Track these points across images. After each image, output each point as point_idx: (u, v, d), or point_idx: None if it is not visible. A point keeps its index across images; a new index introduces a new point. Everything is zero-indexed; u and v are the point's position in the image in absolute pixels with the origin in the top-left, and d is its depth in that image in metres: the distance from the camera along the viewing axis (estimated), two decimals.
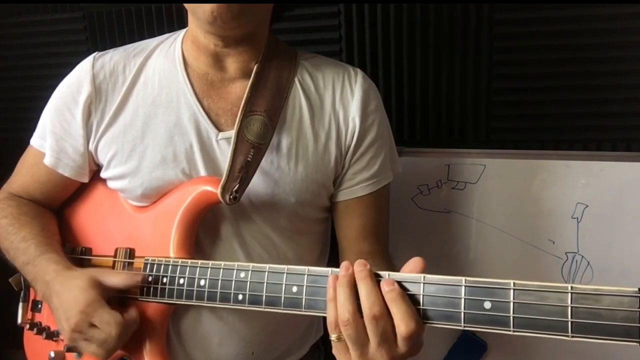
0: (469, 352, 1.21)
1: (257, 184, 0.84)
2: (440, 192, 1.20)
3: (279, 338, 0.93)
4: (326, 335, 1.06)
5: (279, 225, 0.87)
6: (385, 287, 0.62)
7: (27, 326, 0.97)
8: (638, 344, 0.53)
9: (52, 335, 0.92)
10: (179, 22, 1.35)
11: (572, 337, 0.56)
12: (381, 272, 0.65)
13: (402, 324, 0.60)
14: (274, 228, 0.87)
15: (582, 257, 1.12)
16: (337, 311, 0.63)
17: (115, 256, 0.88)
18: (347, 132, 0.87)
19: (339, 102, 0.87)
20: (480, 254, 1.19)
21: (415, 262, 0.65)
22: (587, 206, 1.11)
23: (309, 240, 0.93)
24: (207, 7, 0.73)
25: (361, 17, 1.23)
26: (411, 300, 0.62)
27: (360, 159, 0.89)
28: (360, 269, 0.64)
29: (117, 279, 0.80)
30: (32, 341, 0.99)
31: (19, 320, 0.98)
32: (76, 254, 0.93)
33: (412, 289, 0.63)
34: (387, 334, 0.61)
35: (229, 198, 0.78)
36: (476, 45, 1.17)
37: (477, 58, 1.18)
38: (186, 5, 0.80)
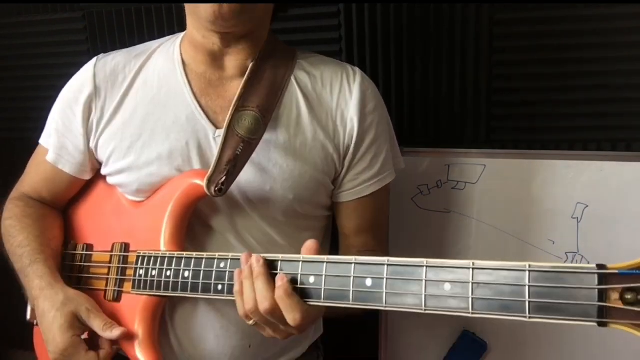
0: (469, 352, 1.21)
1: (255, 179, 0.84)
2: (440, 192, 1.20)
3: None
4: (326, 334, 1.07)
5: (277, 221, 0.88)
6: (277, 282, 0.68)
7: (36, 322, 0.98)
8: (596, 324, 0.50)
9: None
10: (179, 22, 1.35)
11: (530, 318, 0.53)
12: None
13: (289, 317, 0.68)
14: (272, 224, 0.87)
15: (582, 257, 1.12)
16: (244, 302, 0.71)
17: (112, 251, 0.90)
18: (345, 133, 0.87)
19: (337, 102, 0.87)
20: (480, 254, 1.19)
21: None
22: (587, 206, 1.11)
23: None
24: (209, 6, 0.75)
25: (361, 17, 1.23)
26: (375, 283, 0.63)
27: (362, 160, 0.89)
28: (254, 265, 0.70)
29: (99, 326, 0.81)
30: (41, 337, 1.00)
31: (28, 317, 1.00)
32: (79, 251, 0.95)
33: (378, 271, 0.63)
34: (283, 319, 0.68)
35: (214, 190, 0.79)
36: (476, 45, 1.17)
37: (477, 58, 1.18)
38: (186, 5, 0.81)
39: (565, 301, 0.51)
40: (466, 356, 1.21)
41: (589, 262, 1.11)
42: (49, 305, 0.82)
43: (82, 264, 0.94)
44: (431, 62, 1.21)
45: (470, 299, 0.57)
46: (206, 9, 0.75)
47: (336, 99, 0.87)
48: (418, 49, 1.21)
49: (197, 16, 0.80)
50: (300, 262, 0.69)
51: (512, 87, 1.18)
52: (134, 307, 0.85)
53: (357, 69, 0.91)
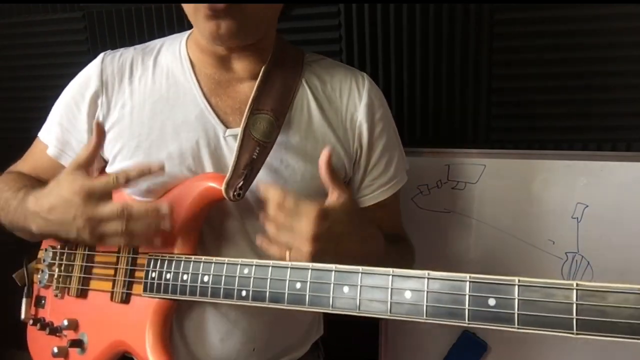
0: (469, 352, 1.21)
1: (266, 181, 0.84)
2: (440, 192, 1.20)
3: (281, 335, 0.93)
4: (326, 335, 1.07)
5: None
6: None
7: (31, 321, 0.98)
8: None
9: (55, 331, 0.93)
10: (179, 22, 1.35)
11: (577, 334, 0.55)
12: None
13: None
14: None
15: (582, 257, 1.12)
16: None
17: (119, 252, 0.89)
18: (354, 137, 0.88)
19: (346, 105, 0.88)
20: (480, 254, 1.19)
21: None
22: (587, 206, 1.11)
23: None
24: (207, 30, 0.76)
25: (361, 17, 1.23)
26: (415, 296, 0.63)
27: (377, 165, 0.90)
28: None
29: (84, 150, 0.81)
30: (35, 337, 1.00)
31: (23, 316, 0.99)
32: (80, 251, 0.94)
33: (416, 285, 0.63)
34: None
35: (233, 194, 0.79)
36: (476, 45, 1.17)
37: (477, 58, 1.18)
38: (188, 16, 0.81)
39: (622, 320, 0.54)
40: (466, 356, 1.21)
41: (588, 263, 1.12)
42: (48, 189, 0.79)
43: (84, 264, 0.93)
44: (431, 62, 1.21)
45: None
46: (204, 30, 0.76)
47: (346, 103, 0.88)
48: (418, 49, 1.21)
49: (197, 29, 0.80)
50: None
51: (512, 87, 1.18)
52: (145, 310, 0.83)
53: (364, 74, 0.91)
